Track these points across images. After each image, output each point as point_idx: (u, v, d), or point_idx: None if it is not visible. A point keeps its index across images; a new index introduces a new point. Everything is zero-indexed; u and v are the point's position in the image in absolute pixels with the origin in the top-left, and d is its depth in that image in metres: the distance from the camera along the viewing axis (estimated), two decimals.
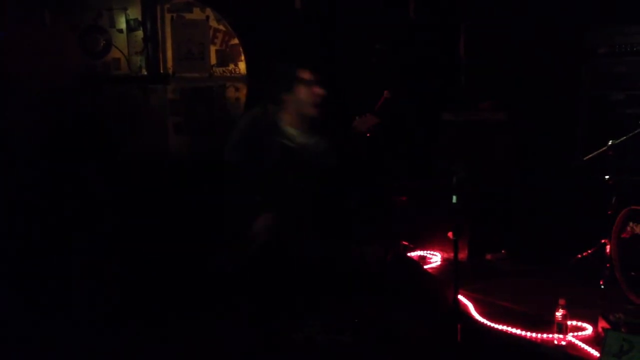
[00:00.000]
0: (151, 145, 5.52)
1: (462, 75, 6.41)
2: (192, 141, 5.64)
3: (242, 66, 5.73)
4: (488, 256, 5.25)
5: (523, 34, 5.89)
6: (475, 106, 5.89)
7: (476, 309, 4.12)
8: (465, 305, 4.17)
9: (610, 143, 4.53)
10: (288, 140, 4.04)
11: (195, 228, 5.14)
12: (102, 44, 5.33)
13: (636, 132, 4.47)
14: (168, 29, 5.50)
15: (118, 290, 4.46)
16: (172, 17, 5.51)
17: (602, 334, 3.38)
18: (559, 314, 3.56)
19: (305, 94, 4.04)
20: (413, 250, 5.44)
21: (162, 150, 5.58)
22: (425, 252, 5.40)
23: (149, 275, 4.64)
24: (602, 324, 3.55)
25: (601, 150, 4.58)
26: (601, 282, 4.34)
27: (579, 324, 3.72)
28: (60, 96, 5.16)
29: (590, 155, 4.64)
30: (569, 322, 3.60)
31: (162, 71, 5.47)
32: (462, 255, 5.18)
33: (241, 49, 5.70)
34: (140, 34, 5.38)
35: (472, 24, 6.30)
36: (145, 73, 5.42)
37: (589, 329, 3.67)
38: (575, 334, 3.61)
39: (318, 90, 4.10)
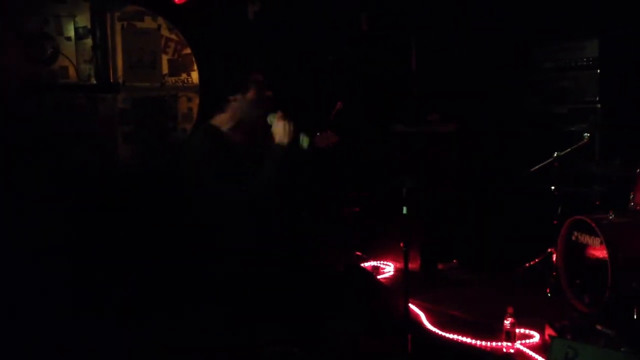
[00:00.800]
0: (100, 156, 5.38)
1: (413, 87, 6.52)
2: (142, 152, 5.54)
3: (194, 76, 5.67)
4: (440, 266, 5.33)
5: (473, 48, 6.04)
6: (426, 118, 5.99)
7: (427, 319, 4.17)
8: (417, 315, 4.22)
9: (555, 155, 4.68)
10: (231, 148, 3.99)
11: (143, 239, 5.06)
12: (49, 52, 5.18)
13: (579, 144, 4.64)
14: (118, 38, 5.39)
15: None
16: (122, 25, 5.40)
17: (549, 342, 3.46)
18: (507, 322, 3.63)
19: (256, 95, 3.98)
20: (366, 260, 5.47)
21: (111, 161, 5.45)
22: (378, 262, 5.44)
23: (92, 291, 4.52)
24: (549, 331, 3.64)
25: (547, 161, 4.72)
26: (548, 290, 4.46)
27: (527, 331, 3.81)
28: (4, 105, 5.00)
29: (536, 167, 4.78)
30: (517, 330, 3.68)
31: (111, 80, 5.35)
32: (415, 265, 5.24)
33: (194, 59, 5.65)
34: (89, 42, 5.25)
35: (424, 37, 6.42)
36: (94, 82, 5.28)
37: (536, 337, 3.76)
38: (523, 341, 3.70)
39: (268, 93, 4.07)
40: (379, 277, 5.18)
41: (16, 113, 5.03)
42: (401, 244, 3.70)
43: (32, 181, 5.00)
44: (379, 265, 5.42)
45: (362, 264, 5.39)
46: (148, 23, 5.51)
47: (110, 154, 5.43)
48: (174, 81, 5.61)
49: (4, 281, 4.29)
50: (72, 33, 5.26)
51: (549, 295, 4.44)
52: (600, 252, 3.90)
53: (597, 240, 3.93)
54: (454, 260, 5.38)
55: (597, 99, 5.27)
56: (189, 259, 4.07)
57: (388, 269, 5.35)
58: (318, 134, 4.42)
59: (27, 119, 5.08)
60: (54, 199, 5.01)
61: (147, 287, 4.70)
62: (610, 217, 4.00)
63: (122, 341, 4.02)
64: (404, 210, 3.59)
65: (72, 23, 5.25)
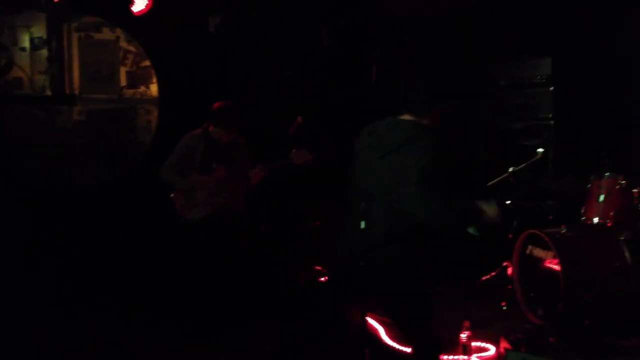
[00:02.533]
0: (55, 168, 5.28)
1: (373, 101, 6.57)
2: (99, 165, 5.45)
3: (153, 88, 5.61)
4: None
5: (432, 65, 6.13)
6: None
7: (386, 333, 4.18)
8: (375, 329, 4.22)
9: (510, 170, 4.78)
10: None
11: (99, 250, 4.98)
12: (2, 63, 5.07)
13: (534, 159, 4.74)
14: (75, 49, 5.30)
15: None
16: (79, 36, 5.32)
17: (504, 354, 3.52)
18: (463, 335, 3.67)
19: None
20: (325, 275, 5.46)
21: (67, 174, 5.35)
22: None
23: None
24: (504, 344, 3.70)
25: (503, 176, 4.81)
26: (503, 304, 4.52)
27: (483, 344, 3.85)
28: None
29: (493, 182, 4.87)
30: (473, 343, 3.72)
31: (67, 92, 5.26)
32: None
33: (153, 71, 5.59)
34: (44, 53, 5.16)
35: (384, 51, 6.49)
36: (50, 94, 5.19)
37: (491, 350, 3.81)
38: (479, 354, 3.74)
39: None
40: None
41: None
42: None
43: None
44: None
45: (321, 278, 5.38)
46: (106, 34, 5.45)
47: (66, 167, 5.33)
48: (132, 93, 5.55)
49: None
50: (27, 44, 5.17)
51: (505, 308, 4.51)
52: (553, 266, 3.98)
53: (550, 254, 4.02)
54: None
55: (551, 115, 5.42)
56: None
57: None
58: (294, 150, 4.44)
59: None
60: (7, 212, 4.88)
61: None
62: (563, 231, 4.10)
63: None
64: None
65: (28, 33, 5.16)
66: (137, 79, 5.57)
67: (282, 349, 3.96)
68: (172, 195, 4.50)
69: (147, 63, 5.58)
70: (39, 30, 5.18)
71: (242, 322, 4.24)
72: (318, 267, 5.51)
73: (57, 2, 5.11)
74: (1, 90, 5.08)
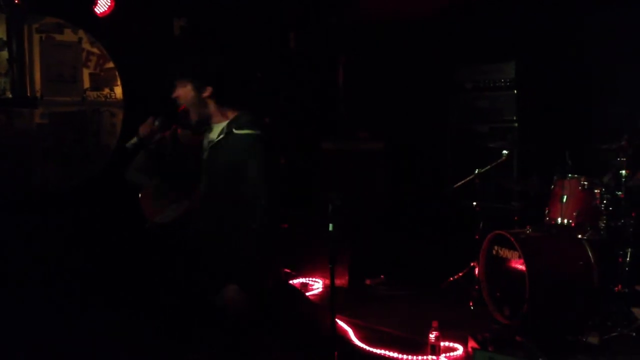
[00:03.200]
0: (15, 173, 5.13)
1: (341, 105, 6.59)
2: (62, 169, 5.32)
3: (118, 91, 5.51)
4: (368, 281, 5.38)
5: (399, 67, 6.18)
6: (353, 135, 6.07)
7: (355, 334, 4.19)
8: (345, 331, 4.23)
9: (476, 172, 4.84)
10: None
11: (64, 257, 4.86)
12: None
13: (499, 161, 4.82)
14: (36, 50, 5.17)
15: None
16: (41, 37, 5.19)
17: (471, 353, 3.55)
18: (432, 335, 3.70)
19: None
20: (295, 277, 5.45)
21: (28, 178, 5.21)
22: (307, 279, 5.43)
23: None
24: (472, 343, 3.73)
25: (469, 178, 4.87)
26: (471, 304, 4.57)
27: (451, 344, 3.89)
28: None
29: (459, 183, 4.93)
30: (441, 344, 3.75)
31: (29, 94, 5.12)
32: (343, 281, 5.27)
33: (117, 73, 5.50)
34: (5, 54, 5.01)
35: (350, 55, 6.52)
36: (10, 96, 5.04)
37: (459, 349, 3.84)
38: (448, 354, 3.77)
39: None
40: (307, 293, 5.16)
41: None
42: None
43: None
44: (307, 282, 5.41)
45: (290, 281, 5.36)
46: (68, 36, 5.33)
47: (26, 171, 5.19)
48: (96, 96, 5.44)
49: None
50: None
51: (472, 308, 4.55)
52: (519, 265, 4.04)
53: (516, 254, 4.08)
54: (382, 276, 5.44)
55: (515, 118, 5.51)
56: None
57: (317, 285, 5.35)
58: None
59: None
60: None
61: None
62: (528, 232, 4.17)
63: None
64: (330, 227, 3.61)
65: None
66: (100, 81, 5.46)
67: (251, 351, 3.93)
68: (139, 196, 4.42)
69: (111, 65, 5.48)
70: None
71: (207, 326, 4.19)
72: (286, 270, 5.49)
73: (17, 2, 4.99)
74: None
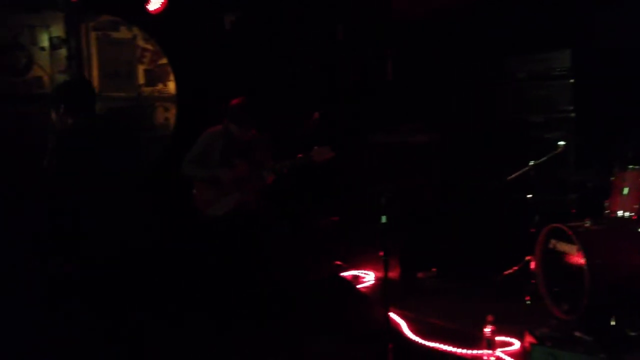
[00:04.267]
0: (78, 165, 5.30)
1: (389, 97, 6.55)
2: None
3: (171, 86, 5.63)
4: (419, 274, 5.33)
5: (448, 58, 6.10)
6: (402, 127, 6.03)
7: (408, 327, 4.16)
8: (397, 324, 4.21)
9: (531, 163, 4.73)
10: None
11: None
12: (22, 62, 5.10)
13: (555, 152, 4.69)
14: (93, 48, 5.34)
15: None
16: (97, 35, 5.35)
17: (529, 349, 3.49)
18: (487, 330, 3.64)
19: None
20: (346, 270, 5.45)
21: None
22: (358, 271, 5.43)
23: None
24: (529, 338, 3.66)
25: (523, 170, 4.77)
26: (527, 298, 4.48)
27: (507, 339, 3.82)
28: None
29: (513, 175, 4.83)
30: (497, 338, 3.69)
31: None
32: (394, 274, 5.23)
33: (170, 69, 5.61)
34: (64, 52, 5.19)
35: (400, 47, 6.47)
36: None
37: (516, 344, 3.77)
38: (503, 349, 3.71)
39: None
40: (358, 286, 5.16)
41: None
42: (380, 253, 3.71)
43: (6, 192, 4.90)
44: (358, 274, 5.41)
45: (342, 274, 5.37)
46: (123, 33, 5.47)
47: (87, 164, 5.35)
48: (150, 91, 5.57)
49: None
50: (46, 43, 5.20)
51: (528, 302, 4.47)
52: (577, 259, 3.94)
53: (574, 248, 3.97)
54: (433, 269, 5.39)
55: (572, 107, 5.36)
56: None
57: (368, 278, 5.34)
58: (315, 147, 4.43)
59: (1, 131, 4.99)
60: (28, 211, 4.91)
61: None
62: (587, 225, 4.05)
63: None
64: (383, 219, 3.60)
65: (47, 33, 5.19)
66: (154, 76, 5.59)
67: (303, 343, 3.96)
68: (193, 190, 4.51)
69: (164, 61, 5.61)
70: (58, 30, 5.21)
71: (262, 317, 4.24)
72: (338, 262, 5.50)
73: (74, 1, 5.14)
74: (22, 90, 5.11)
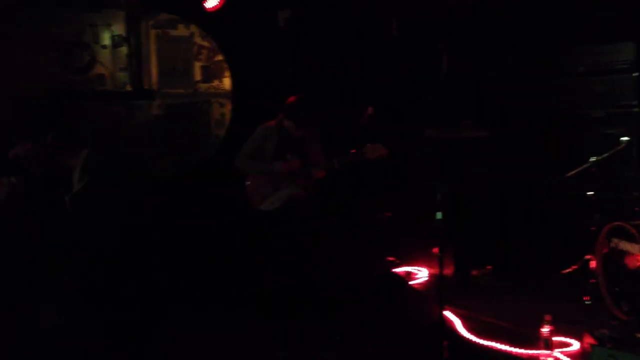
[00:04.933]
0: (135, 162, 5.45)
1: (444, 92, 6.47)
2: (175, 157, 5.60)
3: (226, 82, 5.72)
4: (474, 272, 5.27)
5: (504, 51, 5.97)
6: (457, 123, 5.94)
7: (463, 325, 4.12)
8: (451, 322, 4.17)
9: (593, 159, 4.59)
10: None
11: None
12: (85, 60, 5.28)
13: (618, 148, 4.54)
14: (153, 45, 5.48)
15: None
16: (156, 33, 5.49)
17: (588, 350, 3.40)
18: (545, 329, 3.57)
19: None
20: (399, 266, 5.43)
21: (145, 167, 5.52)
22: (411, 267, 5.40)
23: None
24: (588, 339, 3.57)
25: (584, 166, 4.63)
26: (586, 298, 4.37)
27: (565, 339, 3.74)
28: (41, 113, 5.07)
29: (573, 172, 4.70)
30: (554, 338, 3.61)
31: (146, 87, 5.43)
32: (448, 271, 5.18)
33: (226, 65, 5.70)
34: (124, 50, 5.34)
35: (455, 41, 6.37)
36: (130, 89, 5.37)
37: (574, 345, 3.69)
38: (561, 349, 3.63)
39: None
40: (411, 282, 5.14)
41: (54, 121, 5.11)
42: (435, 250, 3.69)
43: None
44: (411, 270, 5.38)
45: (394, 270, 5.35)
46: (181, 31, 5.59)
47: (145, 160, 5.50)
48: (206, 87, 5.67)
49: None
50: (108, 41, 5.36)
51: (587, 302, 4.35)
52: None
53: (637, 247, 3.85)
54: (488, 267, 5.31)
55: (636, 102, 5.17)
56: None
57: (421, 274, 5.30)
58: (368, 145, 4.43)
59: (64, 127, 5.15)
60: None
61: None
62: None
63: None
64: (438, 215, 3.57)
65: (108, 31, 5.35)
66: (210, 73, 5.69)
67: (354, 342, 3.97)
68: (247, 183, 4.57)
69: (220, 57, 5.70)
70: (119, 28, 5.36)
71: (313, 313, 4.27)
72: (390, 258, 5.49)
73: (134, 2, 5.28)
74: (85, 87, 5.28)
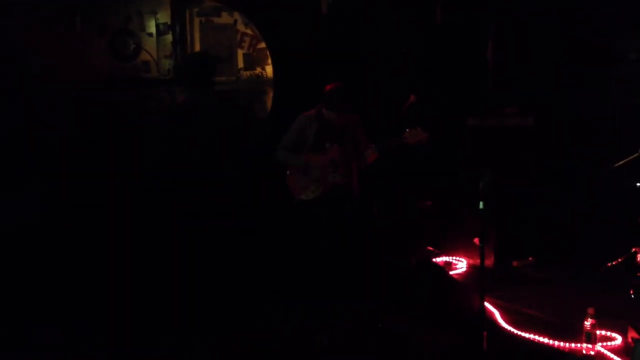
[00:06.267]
0: (178, 149, 5.56)
1: (489, 79, 6.35)
2: (219, 144, 5.67)
3: (269, 70, 5.75)
4: (515, 263, 5.20)
5: (552, 39, 5.83)
6: (502, 111, 5.84)
7: (502, 317, 4.09)
8: (491, 313, 4.14)
9: None
10: None
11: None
12: (132, 48, 5.40)
13: None
14: (197, 33, 5.55)
15: None
16: (200, 21, 5.56)
17: (632, 344, 3.34)
18: (587, 323, 3.51)
19: None
20: (438, 255, 5.41)
21: (188, 153, 5.61)
22: (450, 257, 5.37)
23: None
24: (632, 334, 3.50)
25: (633, 156, 4.51)
26: (631, 292, 4.27)
27: (608, 333, 3.67)
28: (88, 98, 5.21)
29: (621, 162, 4.58)
30: (597, 332, 3.55)
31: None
32: (489, 261, 5.13)
33: (268, 53, 5.72)
34: (169, 37, 5.42)
35: (500, 28, 6.25)
36: (174, 76, 5.46)
37: (618, 339, 3.62)
38: (604, 343, 3.57)
39: None
40: (451, 272, 5.11)
41: (101, 107, 5.25)
42: (476, 240, 3.65)
43: (113, 171, 5.19)
44: (451, 260, 5.35)
45: (434, 259, 5.33)
46: (225, 18, 5.64)
47: (188, 147, 5.59)
48: (248, 75, 5.71)
49: None
50: (153, 29, 5.46)
51: (632, 296, 4.26)
52: None
53: None
54: (530, 258, 5.23)
55: None
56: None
57: (460, 264, 5.27)
58: (408, 129, 4.41)
59: (110, 113, 5.29)
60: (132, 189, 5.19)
61: None
62: None
63: None
64: (481, 205, 3.52)
65: (154, 19, 5.44)
66: (253, 61, 5.73)
67: (395, 329, 3.98)
68: (287, 172, 4.61)
69: (262, 45, 5.72)
70: (164, 16, 5.45)
71: (353, 301, 4.30)
72: (430, 248, 5.46)
73: None
74: (131, 74, 5.39)
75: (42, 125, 5.01)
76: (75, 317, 4.06)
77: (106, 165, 5.18)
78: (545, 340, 3.68)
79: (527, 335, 3.79)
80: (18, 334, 3.84)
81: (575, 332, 3.63)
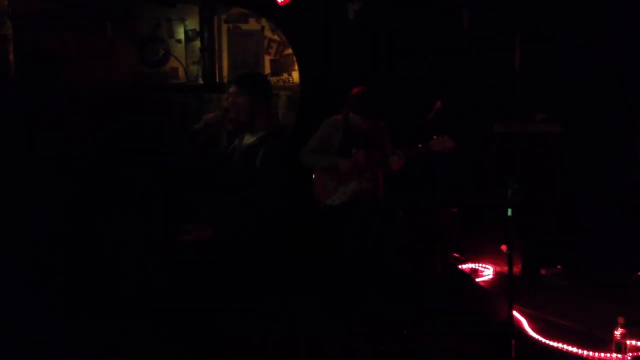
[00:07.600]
0: (205, 153, 5.61)
1: (516, 86, 6.31)
2: None
3: (295, 76, 5.79)
4: (542, 271, 5.15)
5: (580, 45, 5.78)
6: (529, 118, 5.80)
7: (530, 325, 4.05)
8: (518, 321, 4.10)
9: None
10: None
11: None
12: (160, 54, 5.48)
13: None
14: (224, 39, 5.61)
15: None
16: (228, 27, 5.62)
17: None
18: (617, 332, 3.47)
19: None
20: (464, 262, 5.38)
21: (215, 158, 5.66)
22: (477, 264, 5.34)
23: None
24: None
25: None
26: None
27: (639, 343, 3.61)
28: (117, 104, 5.29)
29: None
30: (628, 342, 3.50)
31: (217, 80, 5.56)
32: (516, 269, 5.10)
33: (295, 59, 5.76)
34: (197, 44, 5.48)
35: (528, 34, 6.21)
36: (202, 82, 5.51)
37: None
38: (635, 354, 3.51)
39: None
40: (477, 280, 5.08)
41: (130, 113, 5.32)
42: (503, 247, 3.63)
43: (142, 178, 5.25)
44: (477, 267, 5.32)
45: (459, 266, 5.30)
46: (252, 25, 5.69)
47: (215, 152, 5.64)
48: (275, 81, 5.75)
49: None
50: (182, 36, 5.52)
51: None
52: None
53: None
54: (558, 266, 5.18)
55: None
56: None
57: (487, 272, 5.23)
58: (435, 137, 4.41)
59: (139, 119, 5.36)
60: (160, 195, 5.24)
61: None
62: None
63: None
64: (509, 212, 3.50)
65: (182, 26, 5.52)
66: (280, 66, 5.77)
67: (418, 336, 3.96)
68: (313, 177, 4.62)
69: (289, 51, 5.76)
70: (193, 23, 5.51)
71: (377, 307, 4.29)
72: (455, 255, 5.43)
73: None
74: (159, 80, 5.47)
75: (70, 131, 5.09)
76: None
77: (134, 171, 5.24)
78: (574, 349, 3.63)
79: (555, 344, 3.74)
80: None
81: (604, 342, 3.59)
